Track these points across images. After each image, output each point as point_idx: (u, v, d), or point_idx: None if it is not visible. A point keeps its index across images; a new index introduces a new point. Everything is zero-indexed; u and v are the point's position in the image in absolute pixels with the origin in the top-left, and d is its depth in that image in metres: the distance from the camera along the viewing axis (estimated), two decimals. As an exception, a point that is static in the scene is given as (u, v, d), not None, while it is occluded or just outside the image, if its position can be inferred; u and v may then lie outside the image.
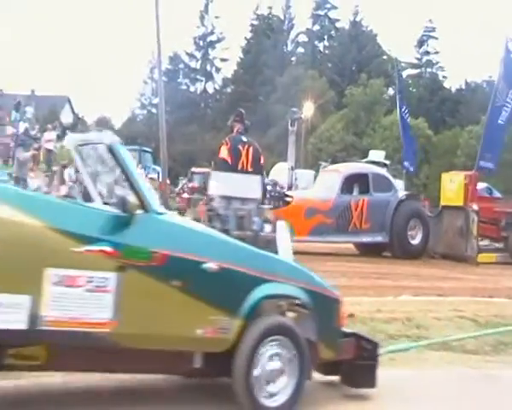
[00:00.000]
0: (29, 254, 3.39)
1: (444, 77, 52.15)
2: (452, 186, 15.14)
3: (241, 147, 5.99)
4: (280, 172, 17.29)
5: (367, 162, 16.34)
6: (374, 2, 67.31)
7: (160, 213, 3.85)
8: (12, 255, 3.34)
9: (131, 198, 3.64)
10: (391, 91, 50.24)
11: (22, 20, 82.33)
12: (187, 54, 51.53)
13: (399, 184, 16.04)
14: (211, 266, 3.73)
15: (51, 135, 25.27)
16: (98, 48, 79.24)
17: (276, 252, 5.08)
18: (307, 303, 4.04)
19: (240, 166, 5.91)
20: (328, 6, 52.75)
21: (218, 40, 51.48)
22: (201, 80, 51.83)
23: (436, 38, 52.06)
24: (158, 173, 19.10)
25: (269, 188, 14.37)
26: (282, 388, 3.86)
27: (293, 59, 52.60)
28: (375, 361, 4.37)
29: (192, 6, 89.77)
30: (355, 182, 14.07)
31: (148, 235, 3.67)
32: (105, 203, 4.06)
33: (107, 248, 3.51)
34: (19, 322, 3.32)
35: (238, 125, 6.01)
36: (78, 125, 32.90)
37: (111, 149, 3.72)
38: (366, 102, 42.24)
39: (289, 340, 3.87)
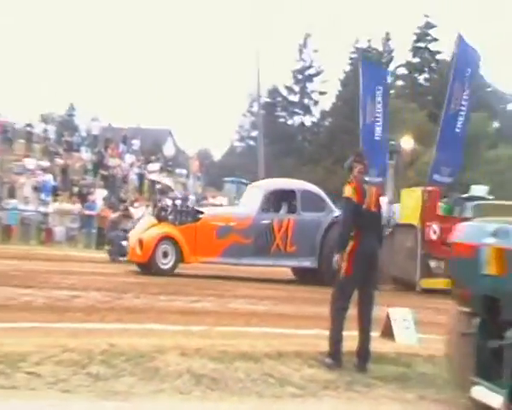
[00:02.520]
0: None
1: (553, 108, 49.91)
2: (410, 203, 13.55)
3: (366, 187, 6.00)
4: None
5: (469, 197, 15.24)
6: (476, 32, 65.83)
7: None
8: None
9: None
10: (495, 124, 48.62)
11: (131, 57, 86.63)
12: (285, 87, 52.24)
13: None
14: None
15: (155, 166, 26.51)
16: (199, 81, 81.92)
17: None
18: None
19: (365, 206, 5.89)
20: (429, 38, 51.96)
21: (317, 73, 51.83)
22: (299, 113, 52.26)
23: (544, 70, 50.02)
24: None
25: (178, 202, 13.65)
26: None
27: (392, 91, 52.03)
28: None
29: (291, 40, 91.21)
30: (282, 200, 12.86)
31: None
32: None
33: None
34: None
35: (359, 165, 6.01)
36: (179, 157, 34.04)
37: None
38: (468, 135, 41.01)
39: None
